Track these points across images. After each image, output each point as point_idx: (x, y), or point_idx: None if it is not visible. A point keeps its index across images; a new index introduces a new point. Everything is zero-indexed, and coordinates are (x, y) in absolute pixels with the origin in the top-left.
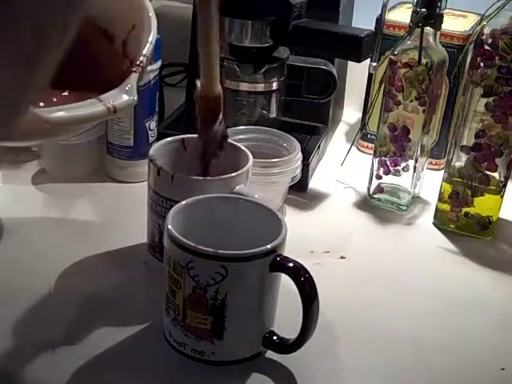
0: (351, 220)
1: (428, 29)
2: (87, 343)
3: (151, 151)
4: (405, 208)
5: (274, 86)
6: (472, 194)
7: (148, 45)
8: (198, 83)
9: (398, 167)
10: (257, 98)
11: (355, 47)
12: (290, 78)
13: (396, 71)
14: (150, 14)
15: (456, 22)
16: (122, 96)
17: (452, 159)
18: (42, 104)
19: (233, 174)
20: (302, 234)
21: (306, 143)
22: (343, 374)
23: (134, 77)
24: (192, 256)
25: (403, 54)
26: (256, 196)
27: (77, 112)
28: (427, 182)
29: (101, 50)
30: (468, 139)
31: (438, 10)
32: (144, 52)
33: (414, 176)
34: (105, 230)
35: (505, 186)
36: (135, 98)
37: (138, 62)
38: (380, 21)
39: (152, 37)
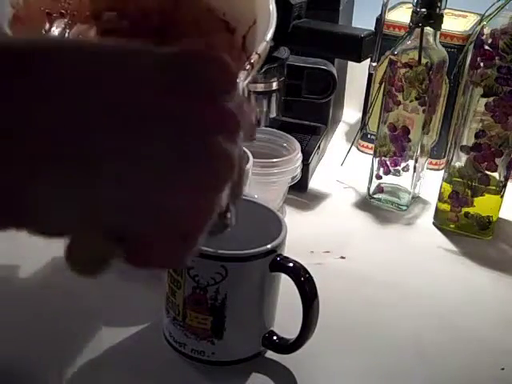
0: (351, 220)
1: (428, 29)
2: (87, 343)
3: None
4: (405, 208)
5: (274, 85)
6: (472, 194)
7: (264, 43)
8: None
9: (397, 167)
10: (257, 98)
11: (355, 47)
12: (289, 78)
13: (396, 71)
14: (271, 9)
15: (456, 22)
16: None
17: (452, 159)
18: None
19: None
20: (301, 234)
21: (306, 143)
22: (343, 374)
23: (241, 76)
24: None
25: (403, 54)
26: (256, 196)
27: None
28: (427, 182)
29: (220, 42)
30: (468, 139)
31: (438, 9)
32: (257, 50)
33: (413, 176)
34: None
35: (505, 186)
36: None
37: (249, 61)
38: (380, 21)
39: (269, 35)
